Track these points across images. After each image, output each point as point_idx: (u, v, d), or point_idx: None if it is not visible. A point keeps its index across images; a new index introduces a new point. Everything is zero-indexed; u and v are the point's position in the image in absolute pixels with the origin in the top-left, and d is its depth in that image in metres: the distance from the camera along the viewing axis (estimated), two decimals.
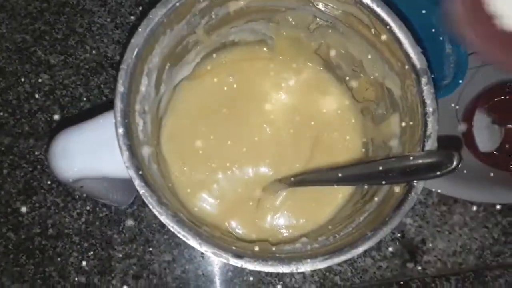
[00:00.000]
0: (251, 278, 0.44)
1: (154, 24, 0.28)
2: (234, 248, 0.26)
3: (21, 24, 0.49)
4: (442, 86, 0.44)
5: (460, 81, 0.44)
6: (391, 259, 0.46)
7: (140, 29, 0.28)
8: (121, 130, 0.26)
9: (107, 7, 0.50)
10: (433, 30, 0.46)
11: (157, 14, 0.28)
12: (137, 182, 0.25)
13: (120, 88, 0.27)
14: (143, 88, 0.29)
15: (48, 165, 0.28)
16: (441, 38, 0.46)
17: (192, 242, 0.25)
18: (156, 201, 0.25)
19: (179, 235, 0.25)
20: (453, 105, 0.47)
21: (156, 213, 0.25)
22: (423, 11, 0.47)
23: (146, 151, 0.28)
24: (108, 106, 0.46)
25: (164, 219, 0.25)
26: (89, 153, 0.27)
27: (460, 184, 0.44)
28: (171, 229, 0.25)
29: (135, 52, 0.27)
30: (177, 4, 0.29)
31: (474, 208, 0.47)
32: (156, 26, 0.28)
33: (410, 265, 0.46)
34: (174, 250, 0.44)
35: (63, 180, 0.28)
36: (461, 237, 0.47)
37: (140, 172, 0.26)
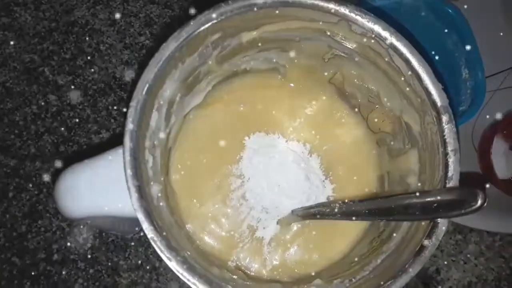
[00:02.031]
0: None
1: (165, 59, 0.27)
2: None
3: (29, 44, 0.48)
4: (459, 112, 0.43)
5: (479, 108, 0.43)
6: None
7: (150, 64, 0.27)
8: (129, 171, 0.25)
9: (116, 27, 0.49)
10: (449, 53, 0.45)
11: (168, 48, 0.27)
12: (145, 226, 0.24)
13: (130, 125, 0.26)
14: (153, 123, 0.28)
15: (54, 203, 0.27)
16: (457, 62, 0.45)
17: None
18: (166, 246, 0.24)
19: (188, 283, 0.24)
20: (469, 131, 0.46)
21: (165, 259, 0.24)
22: (438, 35, 0.46)
23: (155, 189, 0.27)
24: (116, 135, 0.45)
25: (173, 265, 0.24)
26: (96, 192, 0.26)
27: (476, 214, 0.43)
28: (180, 276, 0.24)
29: (145, 89, 0.26)
30: (189, 37, 0.28)
31: (490, 237, 0.46)
32: (167, 61, 0.27)
33: None
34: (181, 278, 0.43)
35: (69, 218, 0.27)
36: (477, 267, 0.46)
37: (149, 215, 0.25)
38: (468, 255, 0.46)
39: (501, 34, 0.49)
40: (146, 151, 0.27)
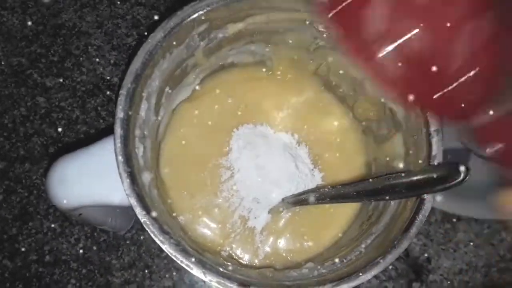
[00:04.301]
0: None
1: (153, 48, 0.28)
2: (239, 276, 0.25)
3: (17, 47, 0.48)
4: None
5: None
6: (396, 279, 0.45)
7: (139, 53, 0.27)
8: (121, 157, 0.25)
9: (104, 29, 0.49)
10: None
11: (156, 37, 0.28)
12: (138, 210, 0.25)
13: (120, 113, 0.26)
14: (142, 113, 0.29)
15: (46, 194, 0.27)
16: None
17: (196, 271, 0.24)
18: (158, 229, 0.25)
19: (182, 264, 0.24)
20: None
21: (159, 242, 0.24)
22: None
23: (146, 177, 0.28)
24: (106, 130, 0.46)
25: (166, 248, 0.24)
26: (88, 181, 0.26)
27: (463, 201, 0.44)
28: (174, 259, 0.24)
29: (133, 77, 0.27)
30: (176, 27, 0.28)
31: (478, 225, 0.47)
32: (155, 50, 0.28)
33: (416, 284, 0.45)
34: (174, 275, 0.43)
35: (62, 209, 0.27)
36: (467, 254, 0.46)
37: (141, 200, 0.25)
38: (458, 243, 0.47)
39: None
40: (137, 140, 0.28)
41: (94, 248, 0.43)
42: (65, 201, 0.26)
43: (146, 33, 0.49)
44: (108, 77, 0.48)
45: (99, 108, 0.47)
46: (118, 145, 0.26)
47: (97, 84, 0.48)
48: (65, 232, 0.43)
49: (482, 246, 0.47)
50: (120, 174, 0.25)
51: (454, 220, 0.47)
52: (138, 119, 0.28)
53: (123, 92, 0.26)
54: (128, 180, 0.25)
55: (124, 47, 0.49)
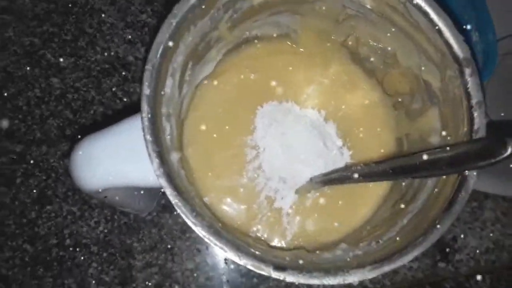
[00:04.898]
0: (277, 284, 0.42)
1: (179, 20, 0.26)
2: (274, 259, 0.24)
3: (28, 26, 0.47)
4: None
5: (491, 71, 0.42)
6: (422, 259, 0.44)
7: (164, 25, 0.26)
8: (149, 137, 0.24)
9: (117, 6, 0.48)
10: (458, 17, 0.45)
11: (181, 9, 0.26)
12: (169, 191, 0.24)
13: (146, 90, 0.25)
14: (168, 90, 0.27)
15: (70, 175, 0.26)
16: (466, 26, 0.44)
17: (230, 254, 0.23)
18: (190, 211, 0.24)
19: (216, 247, 0.23)
20: None
21: (191, 224, 0.23)
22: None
23: (174, 157, 0.26)
24: (122, 111, 0.44)
25: (199, 230, 0.23)
26: (115, 161, 0.25)
27: (492, 177, 0.43)
28: (207, 241, 0.23)
29: (160, 51, 0.25)
30: None
31: (506, 203, 0.46)
32: (181, 22, 0.26)
33: (442, 264, 0.44)
34: (196, 257, 0.42)
35: (87, 191, 0.26)
36: (494, 233, 0.45)
37: (172, 181, 0.24)
38: (485, 222, 0.45)
39: None
40: (163, 118, 0.27)
41: (115, 231, 0.42)
42: (91, 183, 0.25)
43: (159, 9, 0.48)
44: (123, 56, 0.46)
45: (114, 88, 0.46)
46: (146, 123, 0.24)
47: (112, 63, 0.46)
48: (85, 216, 0.43)
49: (509, 224, 0.45)
50: (149, 154, 0.24)
51: (481, 198, 0.46)
52: (164, 96, 0.27)
53: (148, 67, 0.25)
54: (157, 160, 0.24)
55: (138, 24, 0.47)
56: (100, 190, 0.26)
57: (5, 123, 0.44)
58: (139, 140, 0.25)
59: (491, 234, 0.45)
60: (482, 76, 0.43)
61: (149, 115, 0.25)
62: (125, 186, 0.26)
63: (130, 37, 0.47)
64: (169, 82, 0.27)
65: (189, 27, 0.27)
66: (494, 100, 0.47)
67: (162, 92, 0.26)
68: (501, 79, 0.46)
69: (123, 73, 0.46)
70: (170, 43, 0.26)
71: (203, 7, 0.27)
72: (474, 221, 0.46)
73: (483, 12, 0.43)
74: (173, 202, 0.23)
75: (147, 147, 0.24)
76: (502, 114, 0.46)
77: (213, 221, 0.24)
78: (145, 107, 0.25)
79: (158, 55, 0.25)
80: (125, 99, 0.46)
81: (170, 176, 0.24)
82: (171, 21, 0.26)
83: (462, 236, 0.45)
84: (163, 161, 0.24)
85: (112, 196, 0.29)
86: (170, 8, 0.49)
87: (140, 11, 0.48)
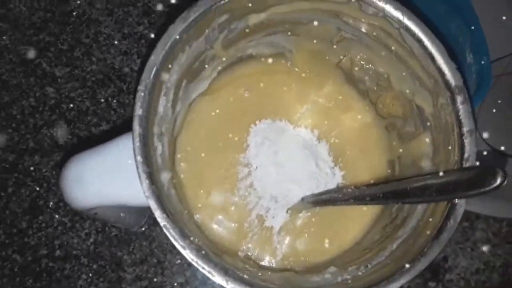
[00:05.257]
0: None
1: (173, 41, 0.26)
2: (262, 283, 0.24)
3: (24, 35, 0.47)
4: None
5: (485, 93, 0.42)
6: (412, 278, 0.44)
7: (158, 46, 0.26)
8: (140, 157, 0.24)
9: (114, 17, 0.48)
10: (453, 38, 0.45)
11: (176, 30, 0.26)
12: (158, 214, 0.24)
13: (138, 110, 0.25)
14: (161, 109, 0.27)
15: (61, 193, 0.26)
16: (462, 47, 0.45)
17: (218, 279, 0.23)
18: (179, 233, 0.24)
19: (203, 271, 0.23)
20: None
21: (179, 247, 0.23)
22: (442, 19, 0.45)
23: (165, 177, 0.26)
24: (117, 122, 0.44)
25: (187, 253, 0.23)
26: (105, 181, 0.25)
27: (481, 199, 0.43)
28: (195, 265, 0.23)
29: (153, 72, 0.25)
30: (197, 18, 0.27)
31: (497, 223, 0.46)
32: (175, 43, 0.26)
33: (432, 284, 0.44)
34: (186, 271, 0.42)
35: (77, 209, 0.26)
36: (484, 254, 0.45)
37: (161, 202, 0.24)
38: (476, 242, 0.45)
39: (504, 18, 0.48)
40: (155, 138, 0.27)
41: (106, 243, 0.42)
42: (82, 202, 0.25)
43: (156, 21, 0.48)
44: (119, 67, 0.47)
45: (109, 99, 0.46)
46: (137, 144, 0.24)
47: (107, 74, 0.46)
48: (76, 227, 0.43)
49: (500, 245, 0.46)
50: (139, 174, 0.24)
51: (473, 218, 0.46)
52: (157, 115, 0.27)
53: (141, 87, 0.25)
54: (147, 181, 0.24)
55: (135, 35, 0.47)
56: (90, 209, 0.26)
57: None
58: (130, 160, 0.25)
59: (482, 255, 0.45)
60: (476, 98, 0.43)
61: (141, 136, 0.25)
62: (117, 205, 0.26)
63: (126, 48, 0.47)
64: (162, 101, 0.27)
65: (183, 47, 0.27)
66: (488, 121, 0.47)
67: (155, 112, 0.26)
68: (496, 100, 0.47)
69: (119, 84, 0.46)
70: (164, 64, 0.26)
71: (198, 27, 0.27)
72: (465, 241, 0.46)
73: (478, 34, 0.43)
74: (161, 225, 0.23)
75: (137, 167, 0.24)
76: (495, 132, 0.47)
77: (201, 244, 0.24)
78: (136, 127, 0.25)
79: (151, 76, 0.25)
80: (120, 110, 0.46)
81: (159, 198, 0.24)
82: (166, 42, 0.26)
83: (453, 256, 0.45)
84: (153, 182, 0.24)
85: (103, 212, 0.29)
86: (167, 20, 0.49)
87: (137, 22, 0.48)
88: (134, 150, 0.24)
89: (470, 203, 0.43)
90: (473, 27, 0.43)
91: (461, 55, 0.44)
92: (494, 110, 0.47)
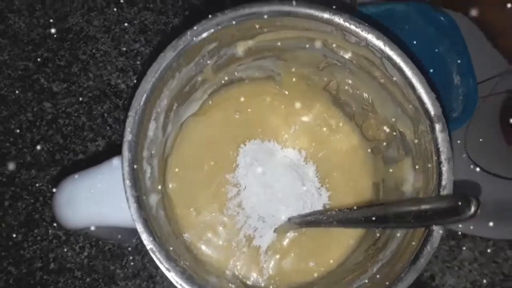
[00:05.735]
0: None
1: (163, 69, 0.27)
2: None
3: (23, 51, 0.48)
4: (451, 119, 0.44)
5: (471, 114, 0.43)
6: None
7: (148, 74, 0.27)
8: (128, 182, 0.25)
9: (111, 34, 0.49)
10: (441, 60, 0.46)
11: (166, 57, 0.27)
12: (144, 237, 0.25)
13: (128, 136, 0.26)
14: (151, 133, 0.28)
15: (53, 213, 0.27)
16: (449, 68, 0.46)
17: None
18: (164, 256, 0.25)
19: None
20: (458, 141, 0.46)
21: (164, 270, 0.24)
22: (430, 41, 0.46)
23: (153, 199, 0.27)
24: (113, 138, 0.45)
25: (172, 276, 0.24)
26: (96, 202, 0.26)
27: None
28: (179, 287, 0.24)
29: (143, 99, 0.26)
30: (187, 47, 0.28)
31: (483, 243, 0.47)
32: (165, 71, 0.27)
33: None
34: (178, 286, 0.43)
35: (68, 229, 0.27)
36: (471, 272, 0.46)
37: (148, 226, 0.25)
38: (462, 261, 0.46)
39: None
40: (144, 161, 0.28)
41: (99, 257, 0.43)
42: (73, 223, 0.26)
43: (152, 39, 0.49)
44: (115, 83, 0.48)
45: (105, 115, 0.47)
46: (126, 168, 0.25)
47: (103, 90, 0.47)
48: (70, 240, 0.43)
49: (487, 264, 0.46)
50: (127, 198, 0.25)
51: (459, 237, 0.47)
52: (146, 139, 0.28)
53: (131, 113, 0.26)
54: (135, 205, 0.25)
55: (131, 52, 0.49)
56: (81, 229, 0.27)
57: None
58: (119, 183, 0.26)
59: (468, 274, 0.46)
60: (462, 118, 0.44)
61: (130, 161, 0.26)
62: (107, 226, 0.27)
63: (122, 65, 0.48)
64: (152, 125, 0.28)
65: (173, 74, 0.29)
66: (475, 140, 0.48)
67: (145, 136, 0.27)
68: (482, 121, 0.48)
69: (114, 100, 0.47)
70: (154, 91, 0.27)
71: (188, 55, 0.28)
72: (452, 260, 0.46)
73: (465, 57, 0.44)
74: (147, 248, 0.24)
75: (125, 191, 0.25)
76: (481, 152, 0.47)
77: (187, 266, 0.25)
78: (126, 152, 0.26)
79: (142, 103, 0.26)
80: (115, 126, 0.47)
81: (146, 221, 0.25)
82: (155, 70, 0.27)
83: (440, 274, 0.46)
84: (141, 206, 0.25)
85: (93, 232, 0.30)
86: (163, 37, 0.50)
87: (134, 40, 0.49)
88: (123, 175, 0.25)
89: (457, 224, 0.44)
90: (460, 50, 0.45)
91: (449, 77, 0.46)
92: (480, 130, 0.48)
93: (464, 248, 0.46)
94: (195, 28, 0.28)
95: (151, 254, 0.24)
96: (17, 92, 0.47)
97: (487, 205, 0.45)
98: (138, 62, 0.48)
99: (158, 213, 0.28)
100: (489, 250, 0.46)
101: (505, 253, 0.46)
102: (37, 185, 0.45)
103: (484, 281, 0.45)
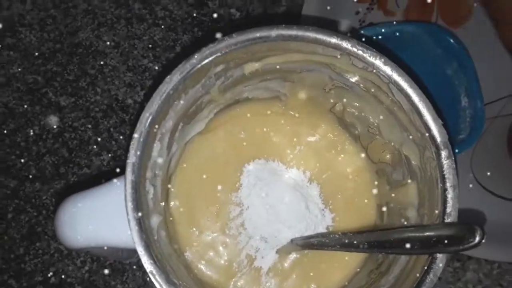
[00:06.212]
0: None
1: (169, 91, 0.27)
2: None
3: (33, 64, 0.48)
4: (458, 141, 0.44)
5: (478, 136, 0.43)
6: None
7: (154, 96, 0.27)
8: (130, 204, 0.25)
9: (120, 49, 0.49)
10: (449, 82, 0.46)
11: (172, 80, 0.27)
12: (145, 259, 0.24)
13: (132, 158, 0.26)
14: (155, 153, 0.28)
15: (55, 232, 0.27)
16: (457, 90, 0.46)
17: None
18: (164, 280, 0.24)
19: None
20: (465, 163, 0.46)
21: None
22: (439, 63, 0.46)
23: (155, 221, 0.27)
24: (118, 153, 0.45)
25: None
26: (97, 224, 0.26)
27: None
28: None
29: (148, 121, 0.27)
30: (193, 70, 0.28)
31: (488, 265, 0.46)
32: (171, 93, 0.27)
33: None
34: None
35: (69, 248, 0.27)
36: None
37: (149, 249, 0.25)
38: (467, 283, 0.46)
39: (500, 60, 0.49)
40: (147, 182, 0.28)
41: (100, 272, 0.43)
42: (74, 243, 0.26)
43: (160, 55, 0.49)
44: (122, 98, 0.48)
45: (111, 130, 0.47)
46: (129, 190, 0.25)
47: (110, 105, 0.48)
48: (72, 254, 0.43)
49: (491, 286, 0.46)
50: (128, 221, 0.25)
51: (464, 259, 0.46)
52: (150, 160, 0.28)
53: (136, 135, 0.26)
54: (136, 227, 0.25)
55: (139, 68, 0.49)
56: (82, 249, 0.27)
57: (1, 158, 0.45)
58: (121, 203, 0.26)
59: None
60: (469, 140, 0.44)
61: (133, 183, 0.26)
62: (108, 246, 0.27)
63: (130, 80, 0.48)
64: (157, 146, 0.29)
65: (179, 96, 0.29)
66: (482, 162, 0.48)
67: (149, 157, 0.27)
68: (489, 142, 0.47)
69: (121, 115, 0.47)
70: (160, 113, 0.27)
71: (195, 77, 0.28)
72: (457, 282, 0.46)
73: (473, 80, 0.44)
74: (147, 271, 0.24)
75: (127, 213, 0.25)
76: (488, 174, 0.47)
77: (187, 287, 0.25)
78: (129, 174, 0.26)
79: (147, 125, 0.26)
80: (121, 141, 0.47)
81: (147, 244, 0.25)
82: (162, 92, 0.27)
83: None
84: (142, 227, 0.25)
85: (95, 250, 0.30)
86: (172, 54, 0.50)
87: (142, 55, 0.49)
88: (125, 196, 0.25)
89: None
90: (468, 71, 0.45)
91: (456, 98, 0.46)
92: (487, 152, 0.47)
93: (468, 270, 0.46)
94: (202, 51, 0.28)
95: (151, 277, 0.24)
96: (25, 106, 0.47)
97: (493, 227, 0.45)
98: (146, 78, 0.49)
99: (159, 234, 0.28)
100: (494, 272, 0.45)
101: (510, 275, 0.45)
102: (41, 198, 0.45)
103: None
